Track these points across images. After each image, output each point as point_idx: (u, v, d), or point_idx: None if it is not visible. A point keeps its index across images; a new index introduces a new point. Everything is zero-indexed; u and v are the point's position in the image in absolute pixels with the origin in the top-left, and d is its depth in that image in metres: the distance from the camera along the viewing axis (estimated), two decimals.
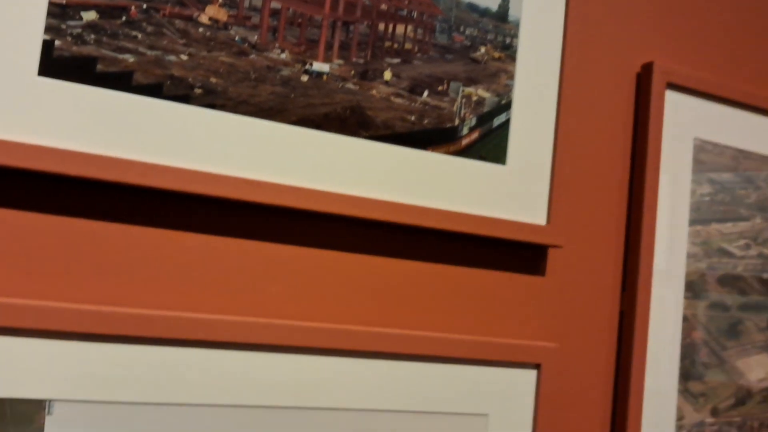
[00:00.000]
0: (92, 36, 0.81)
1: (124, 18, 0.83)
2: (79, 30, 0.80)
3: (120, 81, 0.82)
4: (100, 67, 0.81)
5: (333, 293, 0.94)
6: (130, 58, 0.82)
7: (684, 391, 1.17)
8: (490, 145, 1.03)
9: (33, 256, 0.80)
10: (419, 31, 0.99)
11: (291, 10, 0.91)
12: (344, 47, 0.94)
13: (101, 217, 0.83)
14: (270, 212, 0.91)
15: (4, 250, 0.79)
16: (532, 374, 1.03)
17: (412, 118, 0.98)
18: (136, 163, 0.81)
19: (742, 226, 1.24)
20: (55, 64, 0.79)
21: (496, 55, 1.04)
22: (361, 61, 0.95)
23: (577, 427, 1.09)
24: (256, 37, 0.89)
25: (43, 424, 0.78)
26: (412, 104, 0.97)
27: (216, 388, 0.85)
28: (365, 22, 0.95)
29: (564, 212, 1.09)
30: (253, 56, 0.88)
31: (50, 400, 0.78)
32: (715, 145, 1.23)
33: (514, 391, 1.02)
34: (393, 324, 0.97)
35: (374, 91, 0.95)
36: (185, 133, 0.85)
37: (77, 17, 0.80)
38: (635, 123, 1.17)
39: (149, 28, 0.84)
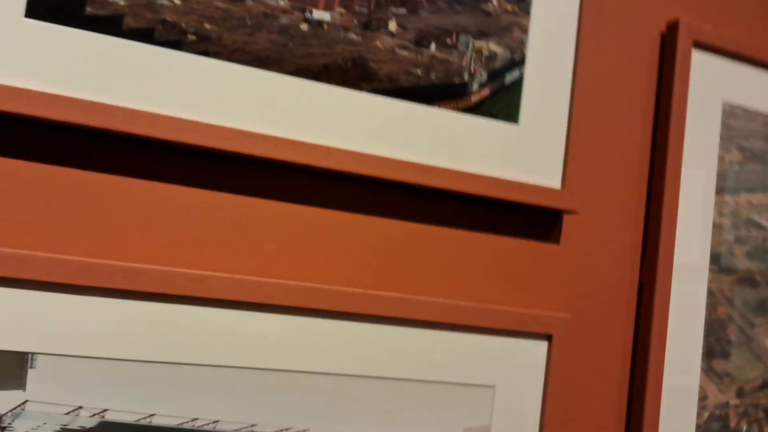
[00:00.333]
0: None
1: None
2: None
3: (110, 25, 0.79)
4: (89, 9, 0.78)
5: (332, 254, 0.90)
6: (121, 1, 0.79)
7: (708, 370, 1.10)
8: (502, 102, 0.98)
9: (17, 204, 0.77)
10: None
11: None
12: None
13: (90, 167, 0.80)
14: (266, 166, 0.87)
15: None
16: (542, 346, 0.97)
17: (418, 71, 0.93)
18: (124, 110, 0.78)
19: None
20: (42, 5, 0.76)
21: (509, 7, 0.98)
22: (365, 10, 0.90)
23: (590, 403, 1.03)
24: None
25: (25, 378, 0.75)
26: (419, 57, 0.93)
27: (205, 348, 0.81)
28: None
29: (580, 176, 1.03)
30: (249, 2, 0.84)
31: (33, 354, 0.75)
32: (746, 110, 1.15)
33: (523, 362, 0.96)
34: (396, 288, 0.93)
35: (378, 43, 0.91)
36: (177, 80, 0.81)
37: None
38: (659, 84, 1.10)
39: None
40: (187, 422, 0.81)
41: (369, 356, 0.89)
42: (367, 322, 0.89)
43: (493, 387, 0.94)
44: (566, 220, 1.03)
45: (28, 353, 0.75)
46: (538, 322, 0.97)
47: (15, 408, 0.74)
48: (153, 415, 0.79)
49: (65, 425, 0.76)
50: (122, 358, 0.78)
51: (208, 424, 0.82)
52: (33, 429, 0.75)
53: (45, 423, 0.76)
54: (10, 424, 0.74)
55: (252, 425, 0.83)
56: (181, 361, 0.80)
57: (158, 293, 0.79)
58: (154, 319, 0.79)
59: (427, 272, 0.95)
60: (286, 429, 0.85)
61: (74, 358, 0.76)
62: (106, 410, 0.77)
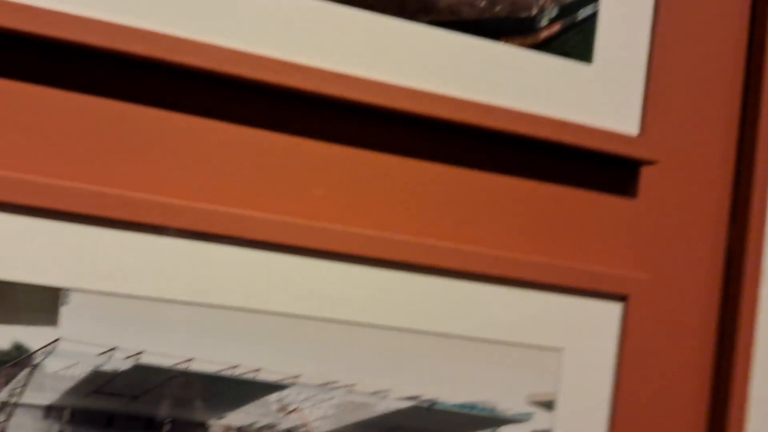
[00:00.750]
0: None
1: None
2: None
3: None
4: None
5: (386, 201, 0.83)
6: None
7: None
8: (574, 39, 0.89)
9: (54, 133, 0.73)
10: None
11: None
12: None
13: (131, 98, 0.76)
14: (314, 103, 0.80)
15: (23, 126, 0.72)
16: (616, 307, 0.88)
17: (482, 3, 0.85)
18: (169, 37, 0.73)
19: None
20: None
21: None
22: None
23: (668, 372, 0.92)
24: None
25: (58, 314, 0.71)
26: None
27: (247, 291, 0.76)
28: None
29: (660, 121, 0.93)
30: None
31: (66, 289, 0.71)
32: None
33: (594, 325, 0.87)
34: (455, 239, 0.85)
35: None
36: (217, 5, 0.76)
37: None
38: (752, 16, 0.98)
39: None
40: (227, 369, 0.75)
41: (423, 310, 0.81)
42: (423, 273, 0.81)
43: (560, 350, 0.86)
44: (644, 171, 0.93)
45: (60, 288, 0.71)
46: (612, 281, 0.87)
47: (47, 345, 0.70)
48: (191, 360, 0.74)
49: (98, 366, 0.72)
50: (159, 297, 0.73)
51: (249, 372, 0.76)
52: (65, 368, 0.72)
53: (77, 363, 0.72)
54: (41, 361, 0.71)
55: (295, 376, 0.77)
56: (221, 304, 0.75)
57: (197, 231, 0.74)
58: (192, 259, 0.74)
59: (490, 223, 0.87)
60: (332, 382, 0.78)
61: (109, 296, 0.72)
62: (141, 353, 0.73)
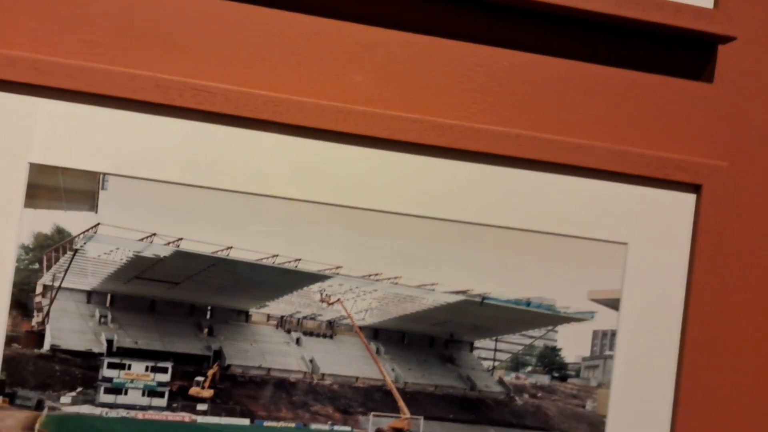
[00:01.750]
0: None
1: None
2: None
3: None
4: None
5: (432, 86, 0.78)
6: None
7: None
8: None
9: (87, 17, 0.72)
10: None
11: None
12: None
13: None
14: None
15: (59, 12, 0.72)
16: (689, 198, 0.80)
17: None
18: None
19: None
20: None
21: None
22: None
23: (745, 269, 0.83)
24: None
25: (97, 199, 0.71)
26: None
27: (286, 179, 0.73)
28: None
29: None
30: None
31: (105, 174, 0.71)
32: None
33: (664, 217, 0.79)
34: (515, 125, 0.79)
35: None
36: None
37: None
38: None
39: None
40: (267, 258, 0.73)
41: (475, 200, 0.76)
42: (475, 161, 0.76)
43: (625, 244, 0.79)
44: (721, 51, 0.84)
45: (99, 173, 0.70)
46: (684, 169, 0.79)
47: (87, 230, 0.70)
48: (230, 248, 0.73)
49: (138, 252, 0.72)
50: (198, 184, 0.72)
51: (289, 262, 0.74)
52: (105, 253, 0.71)
53: (117, 248, 0.72)
54: (82, 246, 0.71)
55: (337, 267, 0.74)
56: (260, 192, 0.73)
57: (232, 115, 0.72)
58: (228, 145, 0.72)
59: (550, 107, 0.80)
60: (375, 274, 0.75)
61: (147, 181, 0.71)
62: (181, 239, 0.72)
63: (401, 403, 0.75)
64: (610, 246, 0.78)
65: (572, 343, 0.79)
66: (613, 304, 0.78)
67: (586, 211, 0.78)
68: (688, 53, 0.83)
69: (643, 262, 0.79)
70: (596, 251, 0.78)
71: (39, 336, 0.70)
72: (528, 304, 0.77)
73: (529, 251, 0.77)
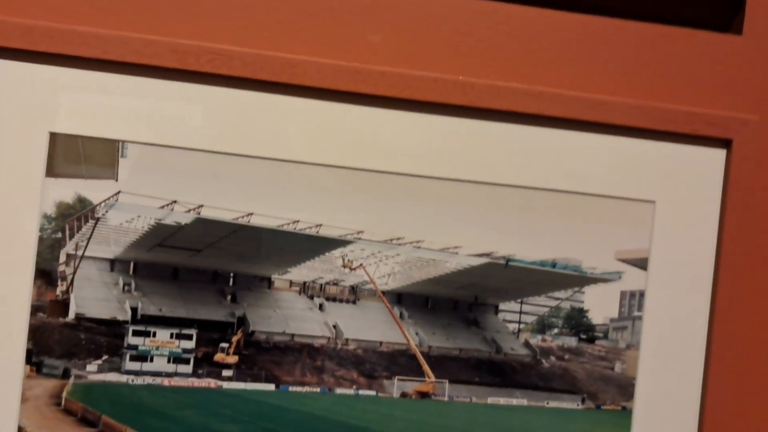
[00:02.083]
0: None
1: None
2: None
3: None
4: None
5: (455, 44, 0.76)
6: None
7: None
8: None
9: None
10: None
11: None
12: None
13: None
14: None
15: None
16: (719, 154, 0.77)
17: None
18: None
19: None
20: None
21: None
22: None
23: None
24: None
25: (117, 167, 0.71)
26: None
27: (305, 143, 0.72)
28: None
29: None
30: None
31: (124, 142, 0.70)
32: None
33: (692, 174, 0.77)
34: (537, 82, 0.77)
35: None
36: None
37: None
38: None
39: None
40: (288, 224, 0.73)
41: (497, 160, 0.75)
42: (498, 120, 0.74)
43: (652, 203, 0.77)
44: (750, 1, 0.81)
45: (118, 141, 0.70)
46: (713, 124, 0.77)
47: (108, 199, 0.70)
48: (251, 214, 0.72)
49: (159, 219, 0.71)
50: (215, 149, 0.71)
51: (311, 227, 0.73)
52: (127, 221, 0.71)
53: (139, 216, 0.71)
54: (104, 215, 0.71)
55: (358, 232, 0.74)
56: (279, 157, 0.72)
57: (249, 79, 0.71)
58: (246, 109, 0.71)
59: (573, 63, 0.78)
60: (397, 238, 0.74)
61: (166, 148, 0.70)
62: (201, 206, 0.71)
63: (426, 367, 0.74)
64: (637, 204, 0.76)
65: (600, 305, 0.78)
66: (641, 263, 0.76)
67: (612, 170, 0.76)
68: (715, 4, 0.81)
69: (671, 221, 0.77)
70: (623, 210, 0.76)
71: (64, 305, 0.70)
72: (554, 265, 0.76)
73: (555, 211, 0.75)
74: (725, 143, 0.77)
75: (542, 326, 0.77)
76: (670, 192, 0.77)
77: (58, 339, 0.69)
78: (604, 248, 0.76)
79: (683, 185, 0.77)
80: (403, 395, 0.74)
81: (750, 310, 0.78)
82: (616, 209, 0.76)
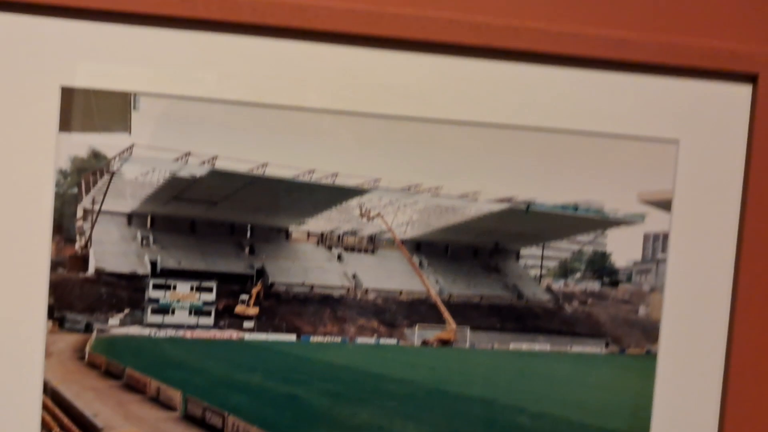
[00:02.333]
0: None
1: None
2: None
3: None
4: None
5: None
6: None
7: None
8: None
9: None
10: None
11: None
12: None
13: None
14: None
15: None
16: (745, 90, 0.75)
17: None
18: None
19: None
20: None
21: None
22: None
23: None
24: None
25: (130, 120, 0.70)
26: None
27: (319, 90, 0.70)
28: None
29: None
30: None
31: (136, 94, 0.69)
32: None
33: (717, 111, 0.75)
34: (554, 21, 0.74)
35: None
36: None
37: None
38: None
39: None
40: (304, 174, 0.72)
41: (516, 102, 0.73)
42: (515, 60, 0.72)
43: (676, 141, 0.75)
44: None
45: (129, 93, 0.69)
46: (739, 58, 0.74)
47: (122, 152, 0.70)
48: (266, 164, 0.71)
49: (174, 172, 0.71)
50: (229, 99, 0.70)
51: (327, 177, 0.72)
52: (142, 174, 0.71)
53: (154, 169, 0.71)
54: (118, 168, 0.70)
55: (375, 180, 0.73)
56: (293, 105, 0.71)
57: (259, 25, 0.69)
58: (257, 56, 0.70)
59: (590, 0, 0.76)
60: (415, 186, 0.73)
61: (179, 100, 0.69)
62: (216, 157, 0.71)
63: (446, 315, 0.73)
64: (660, 145, 0.74)
65: (622, 248, 0.76)
66: (665, 205, 0.75)
67: (633, 109, 0.74)
68: None
69: (695, 160, 0.75)
70: (646, 151, 0.74)
71: (83, 260, 0.70)
72: (575, 208, 0.75)
73: (575, 154, 0.74)
74: (751, 78, 0.75)
75: (564, 271, 0.76)
76: (694, 131, 0.75)
77: (79, 294, 0.70)
78: (626, 190, 0.75)
79: (708, 123, 0.75)
80: (424, 343, 0.73)
81: None
82: (638, 150, 0.74)
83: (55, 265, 0.69)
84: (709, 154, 0.75)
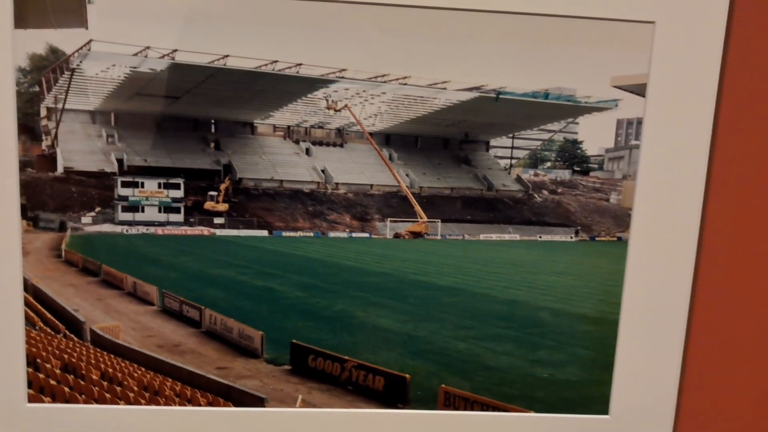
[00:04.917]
0: None
1: None
2: None
3: None
4: None
5: None
6: None
7: None
8: None
9: None
10: None
11: None
12: None
13: None
14: None
15: None
16: None
17: None
18: None
19: None
20: None
21: None
22: None
23: None
24: None
25: (86, 13, 0.68)
26: None
27: None
28: None
29: None
30: None
31: None
32: None
33: None
34: None
35: None
36: None
37: None
38: None
39: None
40: (266, 65, 0.70)
41: None
42: None
43: (652, 23, 0.72)
44: None
45: None
46: None
47: (81, 48, 0.69)
48: (227, 56, 0.70)
49: (134, 67, 0.70)
50: None
51: (290, 67, 0.71)
52: (102, 71, 0.70)
53: (113, 65, 0.70)
54: (78, 65, 0.69)
55: (341, 70, 0.71)
56: None
57: None
58: None
59: None
60: (381, 75, 0.71)
61: None
62: (175, 51, 0.69)
63: (417, 208, 0.73)
64: (634, 26, 0.72)
65: (594, 135, 0.75)
66: (639, 89, 0.72)
67: None
68: None
69: (672, 42, 0.72)
70: (619, 32, 0.71)
71: (51, 159, 0.70)
72: (546, 96, 0.73)
73: (545, 38, 0.71)
74: None
75: (534, 160, 0.75)
76: (671, 11, 0.72)
77: (50, 193, 0.70)
78: (599, 75, 0.73)
79: (685, 3, 0.72)
80: (396, 236, 0.74)
81: (754, 130, 0.75)
82: (612, 32, 0.71)
83: (23, 165, 0.69)
84: (687, 36, 0.72)
